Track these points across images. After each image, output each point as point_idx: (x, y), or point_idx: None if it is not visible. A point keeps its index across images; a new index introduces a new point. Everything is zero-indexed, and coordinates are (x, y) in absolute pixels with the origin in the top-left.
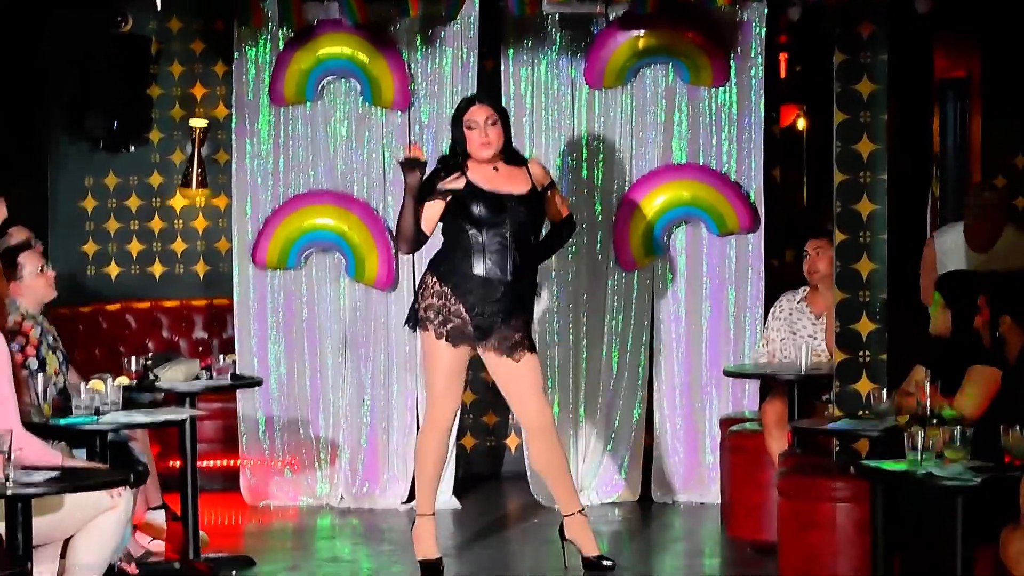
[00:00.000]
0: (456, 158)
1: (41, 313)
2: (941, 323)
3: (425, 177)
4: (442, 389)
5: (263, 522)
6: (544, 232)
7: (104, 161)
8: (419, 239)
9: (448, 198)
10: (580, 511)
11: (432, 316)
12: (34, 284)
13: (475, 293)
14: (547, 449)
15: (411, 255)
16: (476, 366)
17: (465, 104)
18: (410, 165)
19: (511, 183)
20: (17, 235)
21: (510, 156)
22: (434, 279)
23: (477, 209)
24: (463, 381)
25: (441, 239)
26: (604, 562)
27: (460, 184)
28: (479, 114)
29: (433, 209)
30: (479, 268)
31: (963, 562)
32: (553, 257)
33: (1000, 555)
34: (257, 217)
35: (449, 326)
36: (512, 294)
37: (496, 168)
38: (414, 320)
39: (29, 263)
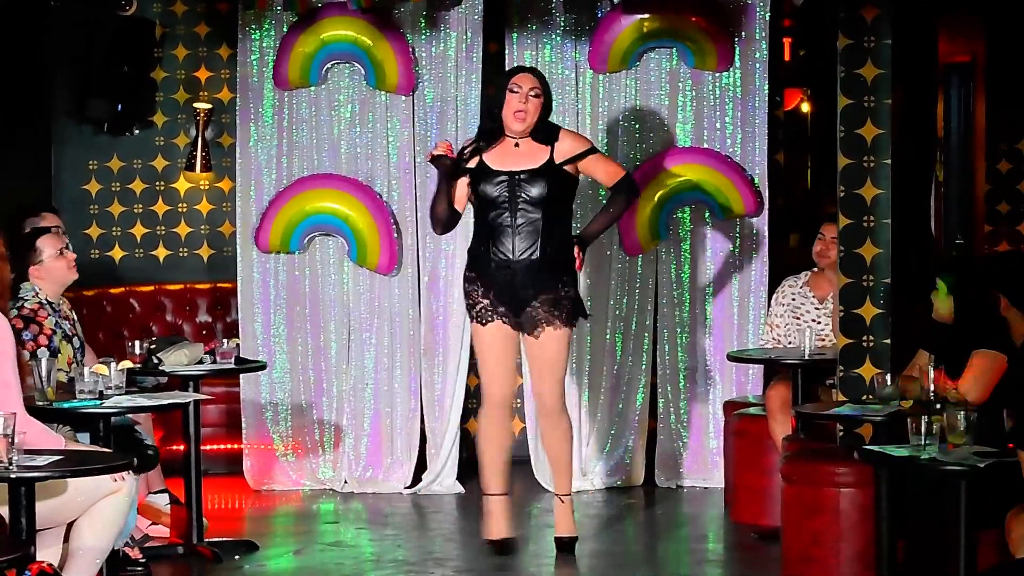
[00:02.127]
0: (493, 122)
1: (62, 297)
2: (944, 308)
3: (461, 149)
4: (490, 367)
5: (266, 506)
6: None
7: (108, 144)
8: (452, 218)
9: (467, 176)
10: (565, 495)
11: (467, 302)
12: (54, 267)
13: (491, 276)
14: (550, 430)
15: (443, 233)
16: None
17: (515, 69)
18: (437, 162)
19: (526, 160)
20: (46, 222)
21: (541, 134)
22: (466, 266)
23: (484, 189)
24: (513, 361)
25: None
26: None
27: (474, 164)
28: (525, 81)
29: (459, 187)
30: (489, 250)
31: (967, 546)
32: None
33: (1005, 539)
34: (261, 200)
35: (478, 307)
36: (527, 272)
37: (517, 145)
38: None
39: (48, 246)
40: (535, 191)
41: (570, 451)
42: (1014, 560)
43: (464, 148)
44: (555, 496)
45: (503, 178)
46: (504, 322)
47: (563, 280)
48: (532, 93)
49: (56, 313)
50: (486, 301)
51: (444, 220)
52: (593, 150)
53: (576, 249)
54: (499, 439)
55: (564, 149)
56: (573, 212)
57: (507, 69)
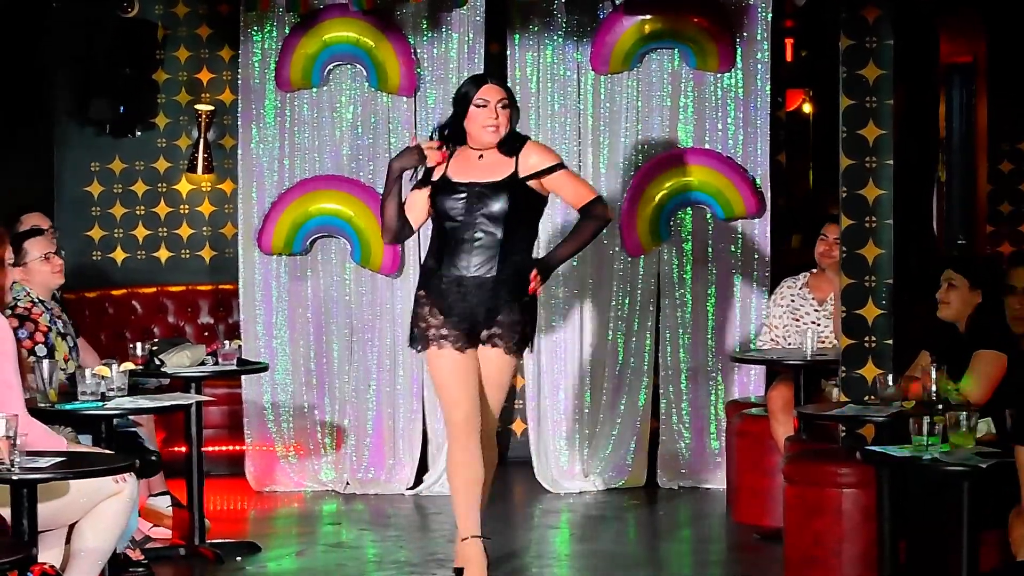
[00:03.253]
0: (450, 137)
1: (52, 299)
2: (956, 306)
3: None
4: (452, 393)
5: (268, 508)
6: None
7: (110, 146)
8: (404, 228)
9: (428, 187)
10: (475, 536)
11: (412, 328)
12: (39, 270)
13: (442, 294)
14: (485, 459)
15: (394, 243)
16: None
17: (477, 81)
18: (406, 157)
19: (489, 172)
20: (30, 222)
21: (506, 146)
22: (417, 285)
23: (443, 202)
24: (471, 385)
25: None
26: None
27: (438, 174)
28: (492, 94)
29: (417, 197)
30: (442, 266)
31: (969, 547)
32: (559, 241)
33: (1007, 539)
34: (263, 202)
35: (431, 332)
36: (480, 291)
37: (481, 156)
38: (413, 338)
39: (34, 249)
40: (496, 206)
41: (487, 484)
42: (1016, 562)
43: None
44: (469, 539)
45: (462, 191)
46: (457, 347)
47: (521, 303)
48: (501, 105)
49: (49, 311)
50: (436, 321)
51: (395, 228)
52: (561, 166)
53: (533, 272)
54: (470, 470)
55: (530, 163)
56: (537, 232)
57: (465, 81)
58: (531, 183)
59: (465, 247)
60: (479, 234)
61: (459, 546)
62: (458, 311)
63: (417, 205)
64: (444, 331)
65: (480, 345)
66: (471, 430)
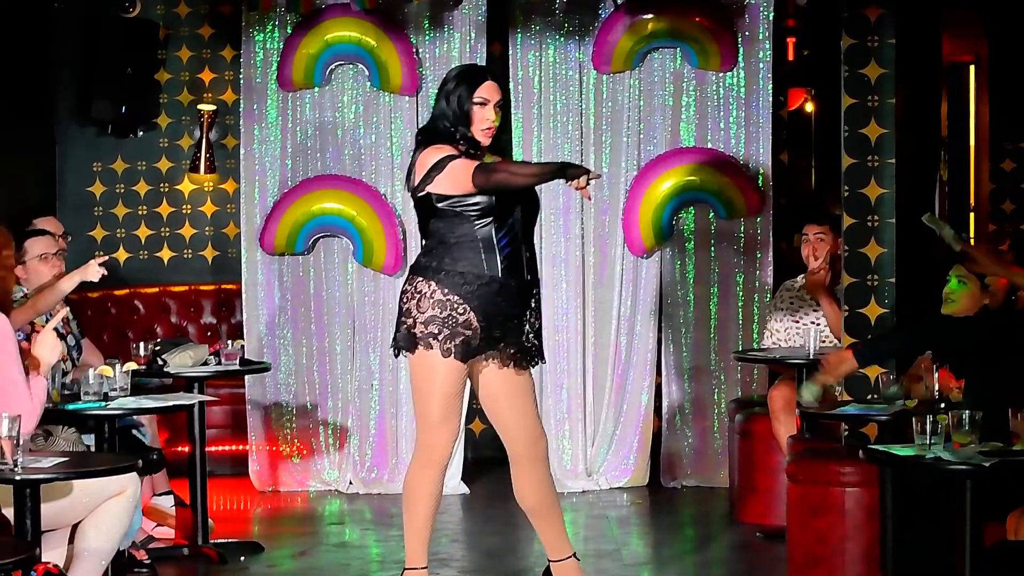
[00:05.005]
0: (452, 134)
1: None
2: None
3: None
4: (440, 416)
5: (272, 507)
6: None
7: (112, 146)
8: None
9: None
10: (574, 555)
11: (436, 331)
12: (37, 269)
13: (490, 299)
14: (541, 481)
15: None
16: None
17: (479, 74)
18: (582, 172)
19: None
20: (42, 226)
21: (495, 149)
22: (433, 287)
23: (489, 200)
24: (463, 406)
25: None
26: None
27: None
28: (493, 92)
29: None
30: (498, 271)
31: (972, 545)
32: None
33: (1008, 538)
34: (265, 202)
35: (458, 340)
36: (529, 295)
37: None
38: (408, 341)
39: (34, 248)
40: (530, 206)
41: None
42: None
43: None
44: (568, 559)
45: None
46: (469, 361)
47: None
48: (499, 104)
49: (48, 312)
50: (467, 332)
51: (497, 186)
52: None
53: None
54: (436, 502)
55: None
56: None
57: (462, 71)
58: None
59: (503, 249)
60: (517, 235)
61: None
62: (495, 319)
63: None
64: (467, 339)
65: (511, 367)
66: (441, 461)
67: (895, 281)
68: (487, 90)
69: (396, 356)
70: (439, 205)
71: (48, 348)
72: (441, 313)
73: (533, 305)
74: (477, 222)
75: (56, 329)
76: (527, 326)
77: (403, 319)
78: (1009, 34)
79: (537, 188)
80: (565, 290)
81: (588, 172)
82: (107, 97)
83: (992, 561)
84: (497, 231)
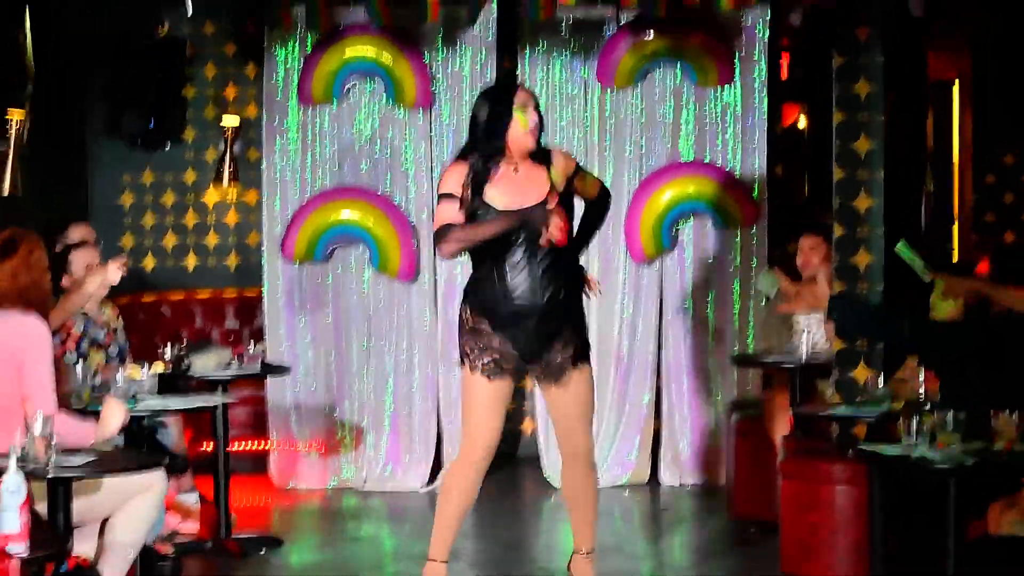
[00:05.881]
0: (493, 148)
1: (103, 308)
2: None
3: (450, 171)
4: (477, 423)
5: (291, 504)
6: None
7: (141, 159)
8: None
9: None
10: (590, 552)
11: (469, 351)
12: (83, 281)
13: (510, 324)
14: (582, 478)
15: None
16: None
17: (507, 86)
18: (539, 218)
19: (528, 189)
20: (77, 232)
21: (537, 154)
22: (469, 313)
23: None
24: (503, 416)
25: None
26: None
27: (473, 202)
28: (529, 99)
29: (453, 214)
30: (507, 297)
31: (956, 539)
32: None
33: (990, 530)
34: (286, 212)
35: (486, 359)
36: (551, 315)
37: (516, 170)
38: (460, 357)
39: (78, 259)
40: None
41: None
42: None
43: (465, 178)
44: (585, 554)
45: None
46: (507, 378)
47: (579, 312)
48: (535, 107)
49: (89, 321)
50: (496, 354)
51: (455, 254)
52: (580, 169)
53: (588, 276)
54: (467, 500)
55: (560, 170)
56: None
57: (495, 88)
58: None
59: (515, 276)
60: (528, 259)
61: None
62: (520, 341)
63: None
64: (496, 360)
65: (551, 383)
66: (477, 462)
67: (883, 289)
68: (522, 96)
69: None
70: None
71: (115, 419)
72: (472, 335)
73: (552, 329)
74: (489, 249)
75: (96, 339)
76: (557, 343)
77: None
78: (991, 53)
79: (567, 207)
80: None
81: (547, 220)
82: (136, 113)
83: (975, 555)
84: (508, 255)
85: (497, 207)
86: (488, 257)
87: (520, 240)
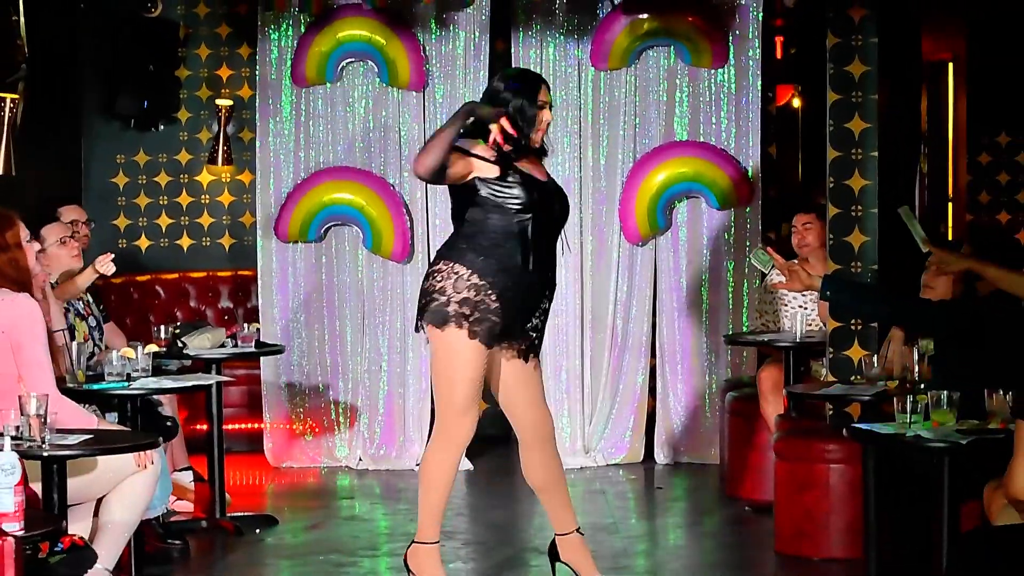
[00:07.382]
0: (519, 139)
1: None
2: (941, 290)
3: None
4: (466, 400)
5: (285, 483)
6: None
7: (135, 139)
8: (440, 174)
9: (495, 169)
10: (577, 530)
11: (467, 312)
12: (57, 255)
13: (519, 292)
14: (548, 460)
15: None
16: None
17: (535, 80)
18: (488, 115)
19: (539, 170)
20: (69, 214)
21: (537, 149)
22: (469, 271)
23: (531, 197)
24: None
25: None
26: None
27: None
28: (547, 96)
29: (480, 165)
30: (530, 264)
31: (949, 518)
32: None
33: (984, 510)
34: (280, 192)
35: (485, 324)
36: (545, 293)
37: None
38: (438, 318)
39: (50, 235)
40: (561, 207)
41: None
42: (993, 525)
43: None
44: (571, 534)
45: (546, 190)
46: (505, 347)
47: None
48: (550, 106)
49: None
50: (493, 319)
51: (436, 166)
52: None
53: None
54: (452, 479)
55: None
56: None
57: (523, 78)
58: None
59: (539, 247)
60: (551, 235)
61: (418, 555)
62: (517, 310)
63: (466, 171)
64: (491, 325)
65: (519, 358)
66: (462, 443)
67: (877, 268)
68: (545, 94)
69: (417, 331)
70: (482, 193)
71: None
72: (474, 296)
73: (545, 305)
74: (516, 216)
75: (76, 309)
76: (537, 321)
77: (435, 296)
78: (985, 34)
79: (567, 190)
80: (564, 276)
81: (495, 118)
82: (130, 93)
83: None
84: (534, 226)
85: (533, 175)
86: (511, 222)
87: (548, 215)
